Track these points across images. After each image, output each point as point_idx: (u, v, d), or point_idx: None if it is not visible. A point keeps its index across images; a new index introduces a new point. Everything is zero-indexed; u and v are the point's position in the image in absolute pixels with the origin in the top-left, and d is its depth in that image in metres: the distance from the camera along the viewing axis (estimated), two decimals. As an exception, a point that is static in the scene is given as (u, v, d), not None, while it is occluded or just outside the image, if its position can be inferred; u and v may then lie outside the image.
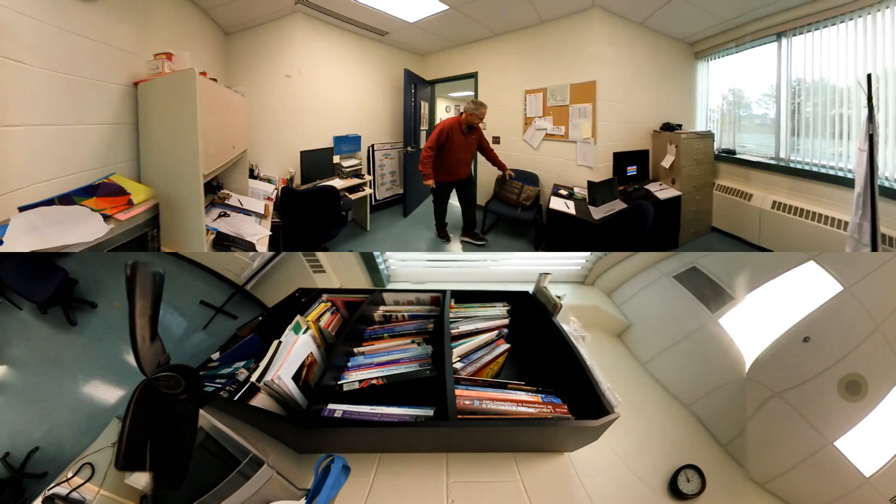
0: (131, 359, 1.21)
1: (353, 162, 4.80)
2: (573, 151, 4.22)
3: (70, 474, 1.56)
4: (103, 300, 2.59)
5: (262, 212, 3.06)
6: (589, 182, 3.88)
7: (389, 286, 2.89)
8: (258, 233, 2.67)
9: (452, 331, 1.84)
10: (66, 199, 1.81)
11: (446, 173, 3.98)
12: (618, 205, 3.82)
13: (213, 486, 1.12)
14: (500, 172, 4.26)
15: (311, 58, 4.33)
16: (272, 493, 1.13)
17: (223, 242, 2.45)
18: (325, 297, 2.10)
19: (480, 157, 5.64)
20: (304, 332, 1.72)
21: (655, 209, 3.71)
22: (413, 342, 1.82)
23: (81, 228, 1.67)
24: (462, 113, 3.96)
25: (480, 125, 4.03)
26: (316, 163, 4.35)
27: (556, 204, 3.82)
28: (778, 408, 1.93)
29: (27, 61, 1.69)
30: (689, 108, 4.82)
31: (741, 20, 3.94)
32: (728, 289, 2.29)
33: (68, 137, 1.92)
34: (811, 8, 3.42)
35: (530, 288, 2.13)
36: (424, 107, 5.80)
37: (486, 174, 5.27)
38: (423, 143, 5.90)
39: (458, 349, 1.74)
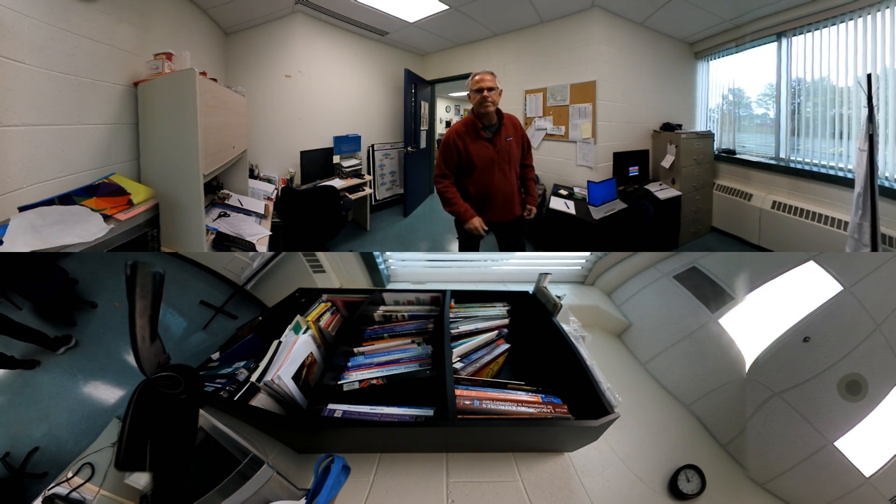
0: (131, 359, 1.21)
1: (353, 162, 4.80)
2: (573, 151, 4.22)
3: (70, 474, 1.56)
4: (103, 300, 2.59)
5: (262, 212, 3.06)
6: (589, 182, 3.88)
7: (389, 286, 2.89)
8: (258, 233, 2.67)
9: (452, 331, 1.83)
10: (66, 199, 1.81)
11: (480, 212, 2.43)
12: (618, 205, 3.82)
13: (213, 486, 1.12)
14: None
15: (311, 58, 4.34)
16: (272, 493, 1.13)
17: (223, 242, 2.45)
18: (325, 297, 2.10)
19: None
20: (304, 332, 1.72)
21: (655, 209, 3.72)
22: (413, 342, 1.81)
23: (81, 228, 1.67)
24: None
25: (503, 113, 2.50)
26: (316, 163, 4.35)
27: (556, 204, 3.82)
28: (778, 408, 1.93)
29: (27, 61, 1.69)
30: (688, 108, 4.82)
31: (741, 20, 3.94)
32: (728, 289, 2.29)
33: (68, 137, 1.92)
34: (811, 8, 3.42)
35: (530, 288, 2.13)
36: (424, 107, 5.80)
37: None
38: (422, 143, 5.92)
39: (458, 349, 1.74)
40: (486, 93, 2.39)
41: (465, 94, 2.62)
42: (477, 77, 2.44)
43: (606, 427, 1.35)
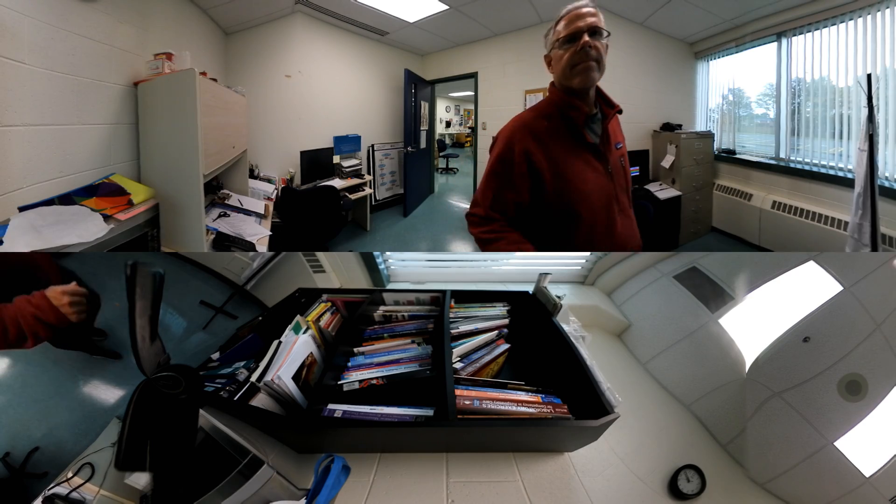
0: (131, 359, 1.21)
1: (353, 162, 4.80)
2: (573, 151, 4.21)
3: (70, 474, 1.56)
4: (103, 300, 2.59)
5: (262, 212, 3.06)
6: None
7: (389, 286, 2.89)
8: (258, 233, 2.67)
9: (452, 331, 1.83)
10: (66, 199, 1.81)
11: None
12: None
13: (213, 486, 1.12)
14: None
15: (311, 58, 4.34)
16: (272, 493, 1.13)
17: (223, 242, 2.45)
18: (325, 297, 2.10)
19: (483, 147, 5.55)
20: (304, 332, 1.72)
21: (655, 209, 3.72)
22: (413, 342, 1.81)
23: (81, 228, 1.67)
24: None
25: (602, 92, 1.40)
26: (316, 163, 4.35)
27: (556, 204, 3.82)
28: (778, 408, 1.93)
29: (27, 61, 1.69)
30: (688, 108, 4.82)
31: (741, 20, 3.94)
32: (728, 289, 2.29)
33: (68, 137, 1.92)
34: (811, 8, 3.42)
35: (530, 288, 2.13)
36: (424, 107, 5.80)
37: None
38: (422, 143, 5.91)
39: (458, 349, 1.74)
40: (586, 38, 1.24)
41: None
42: (571, 10, 1.31)
43: (606, 427, 1.35)
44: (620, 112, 1.38)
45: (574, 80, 1.26)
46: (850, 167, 3.23)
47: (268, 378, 1.47)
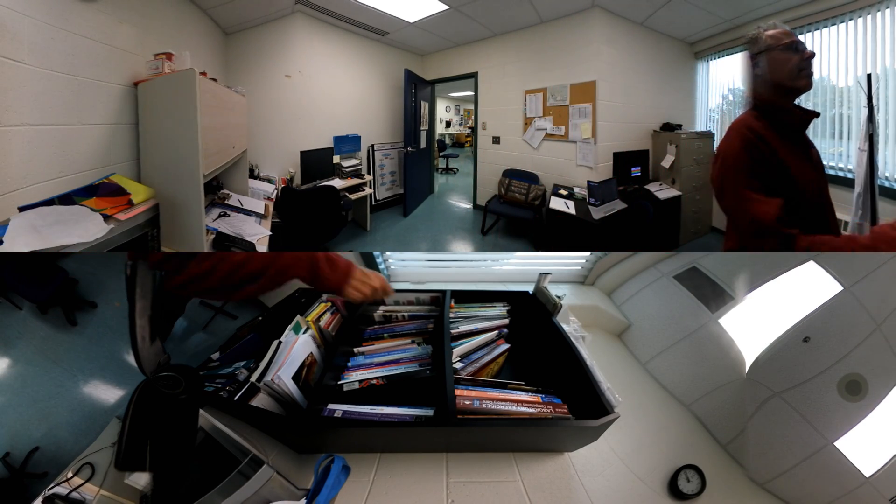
0: (131, 359, 1.21)
1: (353, 162, 4.80)
2: (573, 151, 4.22)
3: (70, 474, 1.56)
4: (103, 300, 2.59)
5: (262, 212, 3.05)
6: (589, 182, 3.88)
7: (389, 286, 2.88)
8: (258, 233, 2.67)
9: (452, 331, 1.83)
10: (65, 199, 1.81)
11: None
12: (618, 205, 3.82)
13: (213, 486, 1.12)
14: None
15: (311, 58, 4.34)
16: (272, 493, 1.13)
17: (223, 242, 2.45)
18: (325, 297, 2.10)
19: (483, 147, 5.51)
20: (304, 332, 1.72)
21: (655, 209, 3.72)
22: (413, 342, 1.81)
23: (81, 228, 1.67)
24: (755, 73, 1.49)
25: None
26: (316, 163, 4.35)
27: (556, 204, 3.82)
28: (778, 408, 1.93)
29: (27, 61, 1.69)
30: (688, 108, 4.82)
31: (741, 20, 3.94)
32: (728, 289, 2.29)
33: (68, 137, 1.92)
34: (811, 8, 3.42)
35: (530, 288, 2.13)
36: (424, 107, 5.80)
37: (486, 174, 5.29)
38: (422, 143, 5.91)
39: (458, 349, 1.74)
40: (809, 52, 1.41)
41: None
42: (787, 31, 1.47)
43: (606, 427, 1.35)
44: (818, 115, 1.48)
45: (801, 83, 1.39)
46: (850, 167, 3.23)
47: (268, 378, 1.47)
